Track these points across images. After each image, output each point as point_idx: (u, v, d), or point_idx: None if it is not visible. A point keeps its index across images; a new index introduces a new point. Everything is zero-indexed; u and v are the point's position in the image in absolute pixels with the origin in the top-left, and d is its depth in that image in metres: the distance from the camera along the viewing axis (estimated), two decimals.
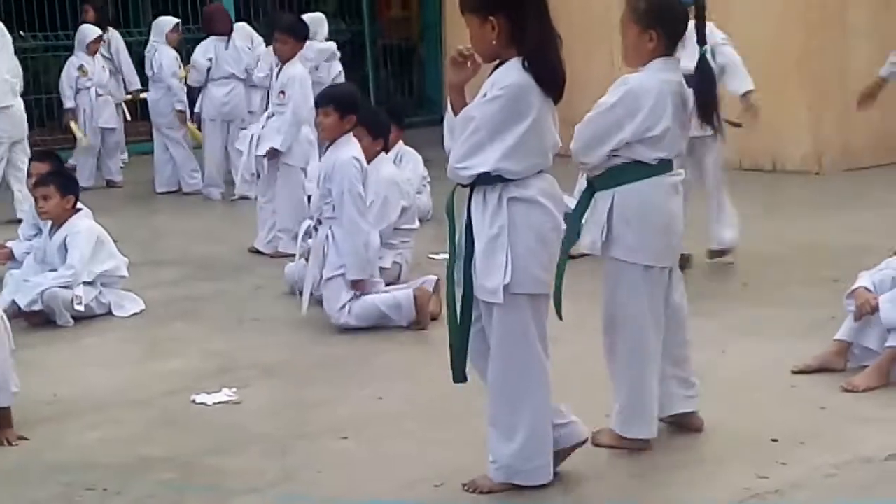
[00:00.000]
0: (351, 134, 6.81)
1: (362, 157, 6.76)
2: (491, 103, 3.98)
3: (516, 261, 4.01)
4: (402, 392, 5.52)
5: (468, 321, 4.15)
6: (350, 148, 6.73)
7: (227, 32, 11.36)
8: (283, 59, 8.97)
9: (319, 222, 6.69)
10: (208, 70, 11.26)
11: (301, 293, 6.68)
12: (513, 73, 3.98)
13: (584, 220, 4.50)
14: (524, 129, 3.98)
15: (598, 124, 4.40)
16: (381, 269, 7.18)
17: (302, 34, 9.16)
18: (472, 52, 4.05)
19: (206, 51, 11.31)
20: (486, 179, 4.03)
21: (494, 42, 4.00)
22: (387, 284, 7.21)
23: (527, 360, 4.11)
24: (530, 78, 3.96)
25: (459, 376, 4.23)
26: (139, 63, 12.63)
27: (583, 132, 4.45)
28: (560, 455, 4.31)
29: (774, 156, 11.53)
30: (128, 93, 12.86)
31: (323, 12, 12.88)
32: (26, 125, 10.47)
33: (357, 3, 15.93)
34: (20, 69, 10.54)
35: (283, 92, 8.83)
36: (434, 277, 6.65)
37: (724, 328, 6.28)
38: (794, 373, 5.45)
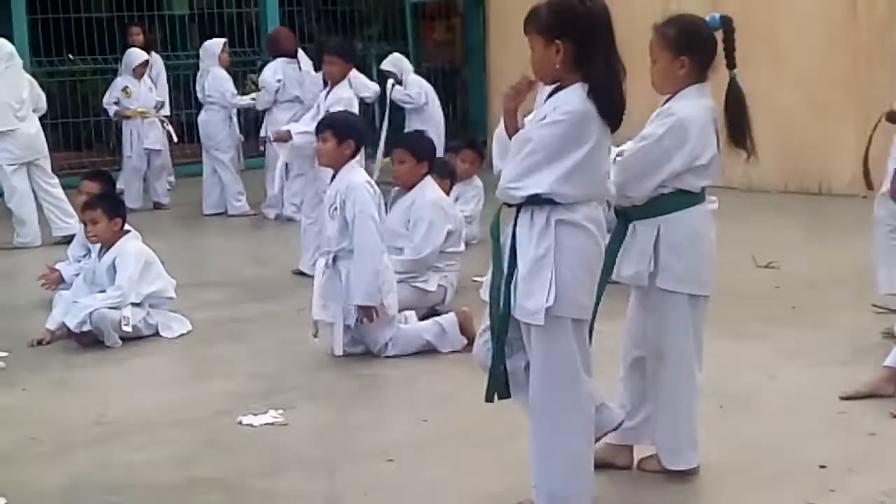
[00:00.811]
0: (354, 161, 6.64)
1: (373, 182, 6.60)
2: (551, 127, 3.96)
3: (560, 284, 3.97)
4: (446, 415, 5.52)
5: (503, 341, 4.12)
6: (358, 173, 6.59)
7: (295, 54, 11.41)
8: (333, 81, 9.02)
9: (336, 257, 6.51)
10: (276, 91, 11.32)
11: (318, 332, 6.53)
12: (575, 98, 3.96)
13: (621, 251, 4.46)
14: (582, 156, 3.95)
15: (647, 157, 4.36)
16: (427, 293, 7.19)
17: (350, 55, 9.21)
18: (529, 77, 4.06)
19: (275, 72, 11.35)
20: (535, 200, 4.01)
21: (558, 66, 3.99)
22: (432, 308, 7.23)
23: (570, 385, 4.06)
24: (592, 106, 3.95)
25: (490, 395, 4.19)
26: (190, 86, 12.76)
27: (629, 166, 4.40)
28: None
29: (821, 178, 11.45)
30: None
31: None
32: (43, 147, 10.60)
33: (402, 26, 16.00)
34: (36, 92, 10.63)
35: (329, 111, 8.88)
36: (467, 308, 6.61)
37: (773, 352, 6.24)
38: (843, 398, 5.40)
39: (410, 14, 15.58)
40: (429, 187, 7.37)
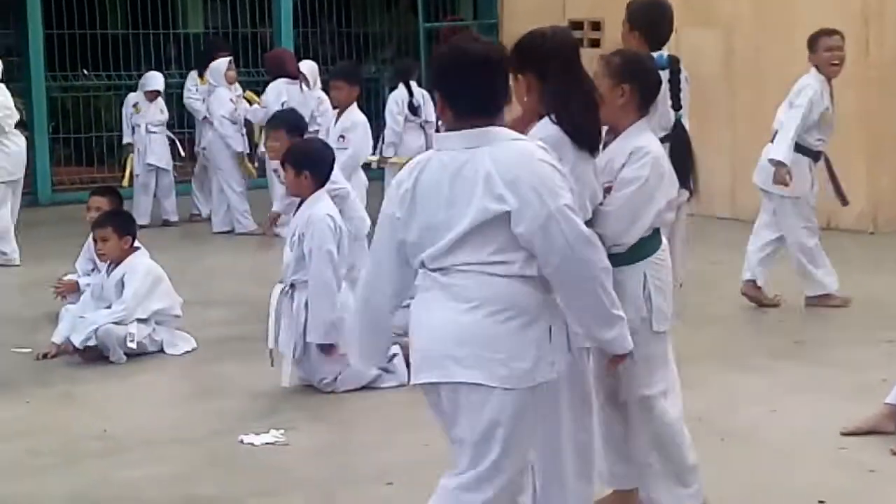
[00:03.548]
0: (323, 191, 6.50)
1: (337, 214, 6.47)
2: None
3: None
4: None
5: None
6: (323, 205, 6.45)
7: (297, 75, 11.39)
8: (341, 105, 9.03)
9: (293, 286, 6.38)
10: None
11: (273, 361, 6.37)
12: (547, 126, 4.00)
13: None
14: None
15: (636, 201, 4.20)
16: None
17: (356, 78, 9.21)
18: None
19: (279, 94, 11.25)
20: None
21: (525, 98, 4.05)
22: None
23: None
24: (561, 131, 3.97)
25: None
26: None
27: (622, 213, 4.20)
28: None
29: (829, 214, 11.45)
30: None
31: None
32: (21, 166, 10.35)
33: (415, 48, 16.06)
34: (9, 108, 10.20)
35: (342, 136, 8.86)
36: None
37: (775, 386, 6.24)
38: (844, 434, 5.40)
39: (424, 38, 15.63)
40: None
